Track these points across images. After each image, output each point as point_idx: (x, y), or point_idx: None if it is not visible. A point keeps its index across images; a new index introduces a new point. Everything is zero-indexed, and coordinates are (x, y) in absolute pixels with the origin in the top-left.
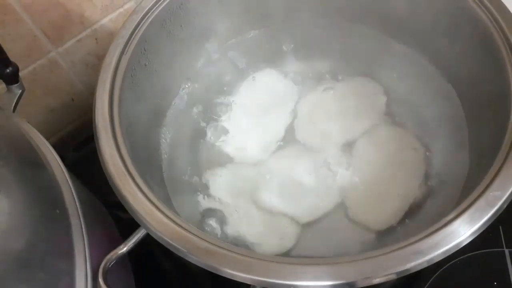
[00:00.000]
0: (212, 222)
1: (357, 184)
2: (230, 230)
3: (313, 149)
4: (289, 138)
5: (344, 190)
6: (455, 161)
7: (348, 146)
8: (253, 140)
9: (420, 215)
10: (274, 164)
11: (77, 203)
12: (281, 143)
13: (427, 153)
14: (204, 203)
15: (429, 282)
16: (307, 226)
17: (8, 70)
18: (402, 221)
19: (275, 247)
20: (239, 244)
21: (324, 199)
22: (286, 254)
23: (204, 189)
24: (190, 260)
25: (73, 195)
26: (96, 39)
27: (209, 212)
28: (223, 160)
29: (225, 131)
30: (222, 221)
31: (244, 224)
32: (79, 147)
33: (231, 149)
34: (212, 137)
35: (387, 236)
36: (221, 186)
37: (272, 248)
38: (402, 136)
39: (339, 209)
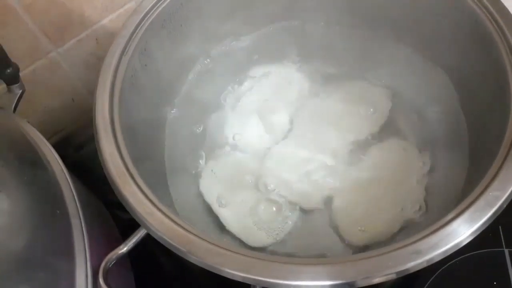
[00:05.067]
0: (213, 219)
1: (355, 186)
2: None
3: (312, 148)
4: (290, 135)
5: (339, 191)
6: (455, 161)
7: (348, 149)
8: (255, 134)
9: (421, 214)
10: (272, 157)
11: (78, 203)
12: (282, 139)
13: (427, 152)
14: (205, 201)
15: (429, 282)
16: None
17: (8, 70)
18: (402, 224)
19: (264, 238)
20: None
21: (310, 200)
22: (275, 246)
23: (204, 186)
24: (190, 260)
25: (73, 195)
26: (96, 39)
27: (210, 210)
28: (224, 155)
29: (228, 129)
30: (221, 218)
31: (241, 214)
32: (79, 147)
33: (233, 147)
34: (214, 135)
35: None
36: (220, 181)
37: (261, 238)
38: (402, 139)
39: (326, 211)
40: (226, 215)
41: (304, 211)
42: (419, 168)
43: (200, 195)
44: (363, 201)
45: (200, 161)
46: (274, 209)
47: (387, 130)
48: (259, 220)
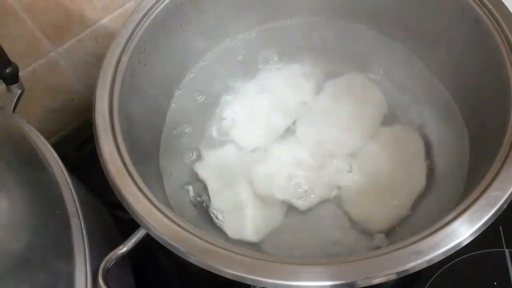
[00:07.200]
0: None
1: (356, 182)
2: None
3: (314, 144)
4: (291, 132)
5: (342, 186)
6: (455, 162)
7: (349, 144)
8: (256, 134)
9: (420, 216)
10: (273, 153)
11: (77, 203)
12: (283, 135)
13: (428, 154)
14: (202, 200)
15: (429, 282)
16: (297, 215)
17: (8, 70)
18: (401, 221)
19: (252, 232)
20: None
21: (320, 191)
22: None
23: (203, 186)
24: (190, 260)
25: (73, 195)
26: (96, 39)
27: (204, 207)
28: (223, 153)
29: (228, 129)
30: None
31: (232, 208)
32: (79, 147)
33: (233, 146)
34: (214, 135)
35: (385, 237)
36: (215, 175)
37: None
38: (403, 138)
39: (334, 204)
40: (219, 213)
41: (308, 208)
42: (419, 155)
43: (196, 193)
44: (372, 189)
45: (198, 160)
46: (266, 206)
47: (388, 124)
48: (248, 215)
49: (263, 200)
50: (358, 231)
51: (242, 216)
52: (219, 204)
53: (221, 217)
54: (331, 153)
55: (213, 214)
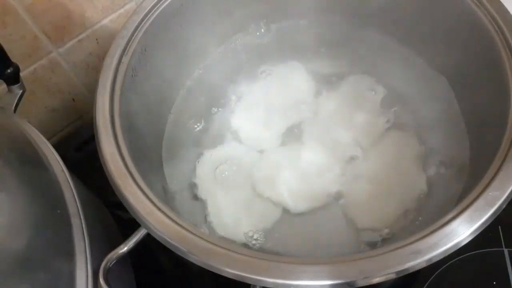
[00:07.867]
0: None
1: (357, 186)
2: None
3: (316, 147)
4: (293, 134)
5: (343, 189)
6: (455, 162)
7: (351, 148)
8: (257, 134)
9: (420, 216)
10: (274, 154)
11: (78, 203)
12: (285, 137)
13: (427, 154)
14: (202, 199)
15: (429, 281)
16: (296, 216)
17: (9, 71)
18: (402, 221)
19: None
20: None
21: (320, 194)
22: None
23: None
24: (190, 259)
25: (74, 195)
26: (96, 39)
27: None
28: (224, 152)
29: (228, 129)
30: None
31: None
32: (80, 147)
33: (234, 146)
34: (214, 134)
35: (385, 237)
36: (216, 176)
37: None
38: (403, 138)
39: (335, 206)
40: (217, 207)
41: (307, 211)
42: (419, 155)
43: (197, 193)
44: (372, 192)
45: (198, 159)
46: (264, 207)
47: (389, 126)
48: (245, 216)
49: (261, 200)
50: (357, 233)
51: (238, 215)
52: (214, 203)
53: (212, 217)
54: (333, 156)
55: (209, 213)
